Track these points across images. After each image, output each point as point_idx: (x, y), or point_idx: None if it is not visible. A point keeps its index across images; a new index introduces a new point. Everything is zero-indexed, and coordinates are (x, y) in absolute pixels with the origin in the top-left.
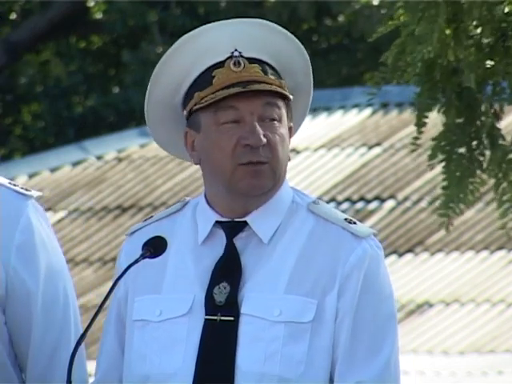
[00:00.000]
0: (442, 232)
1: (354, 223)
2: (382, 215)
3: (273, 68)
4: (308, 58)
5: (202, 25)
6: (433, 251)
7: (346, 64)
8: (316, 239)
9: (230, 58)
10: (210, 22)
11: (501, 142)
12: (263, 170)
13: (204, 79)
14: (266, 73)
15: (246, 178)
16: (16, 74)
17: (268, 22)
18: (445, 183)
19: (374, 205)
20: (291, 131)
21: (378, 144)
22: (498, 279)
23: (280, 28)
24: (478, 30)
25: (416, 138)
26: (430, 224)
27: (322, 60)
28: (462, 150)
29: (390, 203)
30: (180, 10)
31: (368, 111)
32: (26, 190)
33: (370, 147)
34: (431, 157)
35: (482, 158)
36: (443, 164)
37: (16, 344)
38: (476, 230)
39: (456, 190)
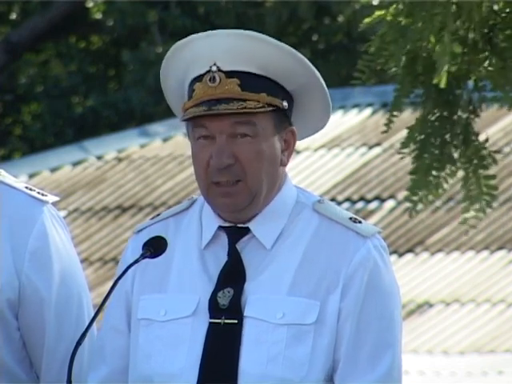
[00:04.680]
0: (442, 232)
1: (359, 222)
2: (382, 215)
3: (261, 77)
4: (304, 60)
5: (201, 25)
6: (433, 251)
7: (345, 64)
8: (320, 239)
9: (209, 72)
10: (209, 22)
11: (473, 138)
12: (234, 190)
13: (189, 91)
14: (244, 87)
15: (218, 197)
16: (16, 73)
17: (252, 33)
18: (413, 167)
19: (373, 205)
20: (294, 135)
21: (378, 144)
22: (498, 279)
23: (265, 37)
24: (461, 25)
25: (388, 125)
26: (430, 224)
27: (321, 60)
28: (436, 142)
29: (389, 203)
30: (180, 10)
31: (368, 111)
32: (42, 194)
33: (370, 147)
34: (403, 145)
35: (454, 153)
36: (416, 152)
37: (30, 349)
38: (476, 230)
39: (423, 177)
